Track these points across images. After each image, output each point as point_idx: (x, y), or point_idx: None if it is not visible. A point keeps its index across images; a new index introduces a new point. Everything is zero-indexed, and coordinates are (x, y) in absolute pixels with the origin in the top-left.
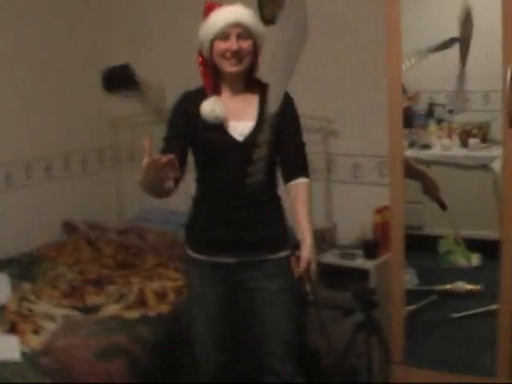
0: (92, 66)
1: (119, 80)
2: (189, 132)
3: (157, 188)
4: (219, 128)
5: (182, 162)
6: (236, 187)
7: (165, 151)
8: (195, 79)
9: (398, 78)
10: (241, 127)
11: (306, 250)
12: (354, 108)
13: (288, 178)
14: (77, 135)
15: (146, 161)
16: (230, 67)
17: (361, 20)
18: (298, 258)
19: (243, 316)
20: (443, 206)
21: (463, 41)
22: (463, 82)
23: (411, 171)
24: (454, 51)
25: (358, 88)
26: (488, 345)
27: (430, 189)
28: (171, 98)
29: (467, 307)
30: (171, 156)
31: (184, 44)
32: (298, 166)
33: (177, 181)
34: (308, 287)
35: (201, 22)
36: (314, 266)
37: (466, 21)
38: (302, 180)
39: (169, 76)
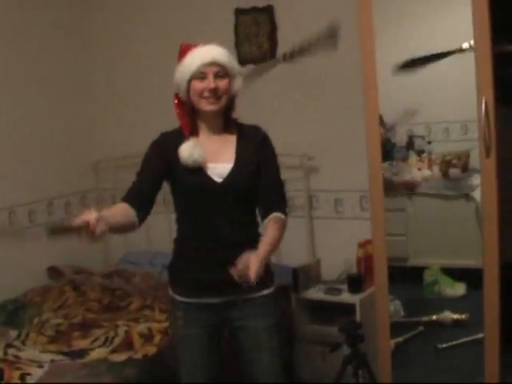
0: (75, 110)
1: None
2: (161, 171)
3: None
4: (198, 170)
5: (150, 200)
6: (215, 228)
7: (134, 186)
8: None
9: (375, 112)
10: (219, 169)
11: (254, 255)
12: (334, 144)
13: (264, 215)
14: (59, 179)
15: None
16: (207, 106)
17: (336, 54)
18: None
19: (229, 355)
20: None
21: None
22: None
23: None
24: (433, 83)
25: (336, 124)
26: (476, 374)
27: None
28: None
29: (454, 337)
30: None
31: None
32: (274, 202)
33: (141, 219)
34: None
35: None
36: (254, 266)
37: None
38: (276, 214)
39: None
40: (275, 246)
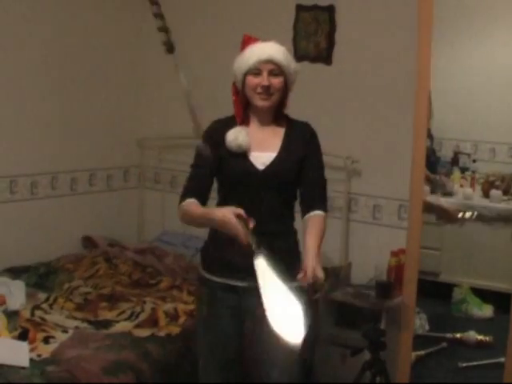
0: (125, 85)
1: None
2: (215, 161)
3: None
4: (243, 156)
5: (207, 190)
6: (253, 215)
7: (192, 179)
8: None
9: (424, 123)
10: (263, 158)
11: (310, 259)
12: (379, 149)
13: (305, 211)
14: (104, 152)
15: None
16: (259, 102)
17: (391, 62)
18: (304, 273)
19: (249, 342)
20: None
21: None
22: None
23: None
24: (485, 102)
25: (384, 130)
26: None
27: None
28: None
29: (476, 357)
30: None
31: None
32: (315, 199)
33: None
34: (317, 295)
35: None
36: (319, 273)
37: None
38: (318, 212)
39: None
40: (319, 252)
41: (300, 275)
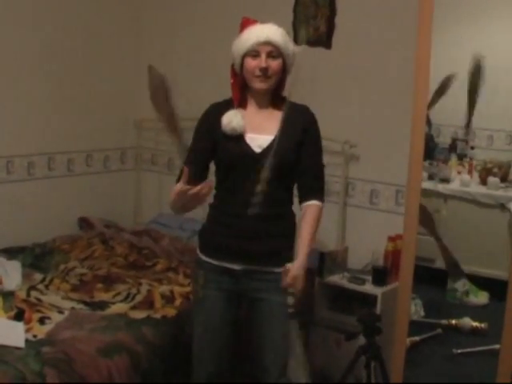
0: (122, 66)
1: None
2: (211, 145)
3: (186, 209)
4: (239, 139)
5: (202, 175)
6: (249, 197)
7: (187, 163)
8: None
9: (423, 109)
10: (260, 140)
11: (296, 267)
12: (377, 135)
13: (302, 199)
14: (101, 133)
15: (180, 187)
16: (257, 83)
17: (391, 47)
18: (287, 272)
19: (244, 326)
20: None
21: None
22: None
23: None
24: (484, 88)
25: (383, 115)
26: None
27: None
28: None
29: (470, 344)
30: (208, 185)
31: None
32: (313, 187)
33: None
34: (290, 300)
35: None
36: (298, 284)
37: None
38: (314, 202)
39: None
40: (313, 242)
41: (284, 270)
